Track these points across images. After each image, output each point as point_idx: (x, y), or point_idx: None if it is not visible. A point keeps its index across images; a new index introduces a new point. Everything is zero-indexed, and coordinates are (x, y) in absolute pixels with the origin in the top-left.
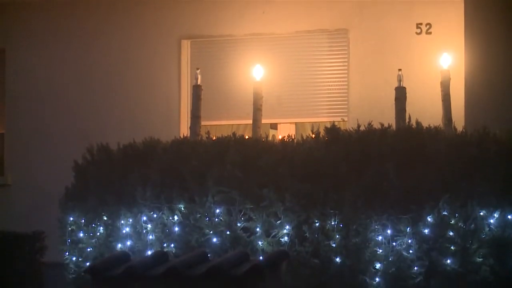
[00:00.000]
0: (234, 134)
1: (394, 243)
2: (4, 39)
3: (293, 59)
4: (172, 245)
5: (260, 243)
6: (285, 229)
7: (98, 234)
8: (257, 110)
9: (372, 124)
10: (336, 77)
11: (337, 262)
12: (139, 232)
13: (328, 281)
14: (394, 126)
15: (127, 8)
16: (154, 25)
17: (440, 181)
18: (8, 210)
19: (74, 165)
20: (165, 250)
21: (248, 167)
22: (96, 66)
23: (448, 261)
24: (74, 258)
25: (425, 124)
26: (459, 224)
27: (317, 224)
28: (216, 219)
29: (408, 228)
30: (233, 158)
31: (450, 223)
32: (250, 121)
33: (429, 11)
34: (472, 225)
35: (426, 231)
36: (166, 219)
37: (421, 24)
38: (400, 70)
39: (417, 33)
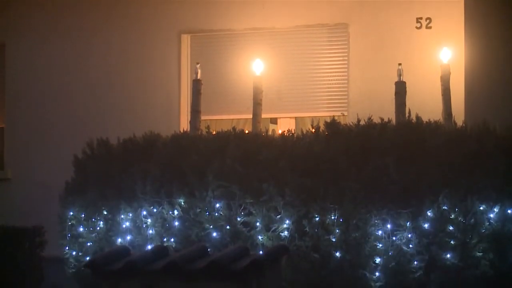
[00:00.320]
0: (234, 128)
1: (394, 238)
2: (5, 34)
3: (293, 54)
4: (172, 239)
5: (260, 237)
6: (285, 223)
7: (98, 228)
8: (257, 105)
9: (372, 118)
10: (336, 72)
11: (337, 256)
12: (139, 226)
13: (328, 275)
14: (394, 121)
15: (127, 3)
16: (154, 19)
17: (440, 176)
18: (8, 205)
19: (74, 159)
20: (165, 244)
21: (248, 161)
22: (96, 61)
23: (448, 255)
24: (74, 253)
25: (425, 118)
26: (459, 218)
27: (317, 219)
28: (216, 214)
29: (408, 223)
30: (233, 153)
31: (450, 217)
32: (250, 116)
33: (429, 6)
34: (472, 220)
35: (426, 225)
36: (166, 214)
37: (421, 18)
38: (400, 64)
39: (417, 28)
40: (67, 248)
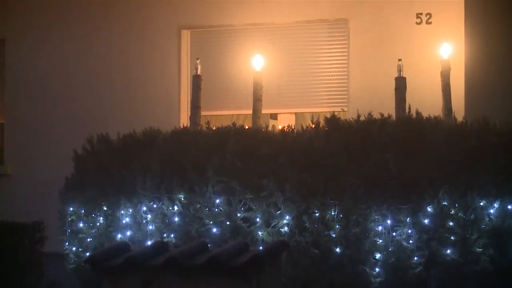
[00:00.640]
0: (234, 124)
1: (394, 233)
2: (5, 30)
3: (293, 49)
4: (172, 235)
5: (260, 233)
6: (285, 219)
7: (98, 224)
8: (257, 100)
9: (372, 114)
10: (336, 67)
11: (337, 252)
12: (139, 222)
13: (328, 271)
14: (394, 116)
15: None
16: (154, 15)
17: (440, 171)
18: (7, 200)
19: (74, 155)
20: (165, 240)
21: (248, 157)
22: (96, 56)
23: (448, 251)
24: (74, 248)
25: (425, 114)
26: (459, 214)
27: (317, 214)
28: (216, 209)
29: (408, 218)
30: (233, 148)
31: (450, 213)
32: (250, 111)
33: (429, 1)
34: (472, 215)
35: (426, 221)
36: (166, 209)
37: (421, 14)
38: (400, 60)
39: (417, 23)
40: (67, 243)
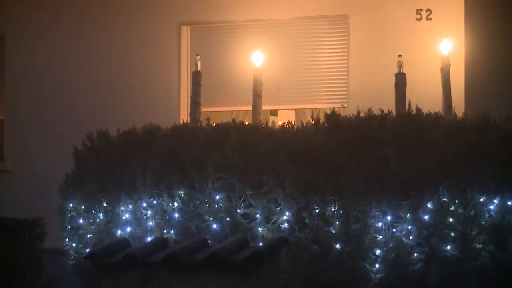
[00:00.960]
0: (234, 120)
1: (394, 230)
2: (4, 25)
3: (293, 45)
4: (172, 231)
5: (260, 229)
6: (285, 215)
7: (98, 220)
8: (257, 97)
9: (372, 110)
10: (336, 63)
11: (337, 248)
12: (139, 218)
13: (328, 267)
14: (394, 112)
15: None
16: (154, 11)
17: (440, 167)
18: (7, 196)
19: (74, 151)
20: (165, 236)
21: (248, 153)
22: (96, 53)
23: (448, 247)
24: (74, 245)
25: (425, 110)
26: (459, 210)
27: (317, 211)
28: (216, 206)
29: (408, 215)
30: (233, 145)
31: (450, 209)
32: (250, 108)
33: None
34: (472, 212)
35: (426, 217)
36: (166, 206)
37: (421, 10)
38: (400, 56)
39: (417, 19)
40: (67, 240)
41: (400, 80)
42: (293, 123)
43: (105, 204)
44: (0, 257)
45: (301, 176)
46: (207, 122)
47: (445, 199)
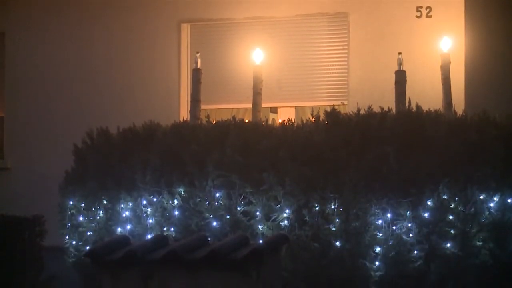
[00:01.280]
0: (234, 118)
1: (394, 227)
2: (4, 23)
3: (293, 43)
4: (172, 229)
5: (260, 227)
6: (285, 213)
7: (98, 218)
8: (257, 94)
9: (372, 107)
10: (336, 61)
11: (337, 246)
12: (139, 216)
13: (328, 265)
14: (394, 110)
15: None
16: (154, 8)
17: (440, 165)
18: (7, 194)
19: (74, 149)
20: (165, 234)
21: (248, 151)
22: (96, 50)
23: (448, 245)
24: (74, 242)
25: (425, 107)
26: (459, 208)
27: (317, 208)
28: (216, 203)
29: (408, 212)
30: (233, 142)
31: (450, 207)
32: (250, 105)
33: None
34: (472, 209)
35: (426, 215)
36: (166, 203)
37: (421, 7)
38: (400, 53)
39: (417, 17)
40: (67, 237)
41: (400, 78)
42: (293, 121)
43: (105, 202)
44: (0, 254)
45: (301, 173)
46: (207, 119)
47: (445, 197)
